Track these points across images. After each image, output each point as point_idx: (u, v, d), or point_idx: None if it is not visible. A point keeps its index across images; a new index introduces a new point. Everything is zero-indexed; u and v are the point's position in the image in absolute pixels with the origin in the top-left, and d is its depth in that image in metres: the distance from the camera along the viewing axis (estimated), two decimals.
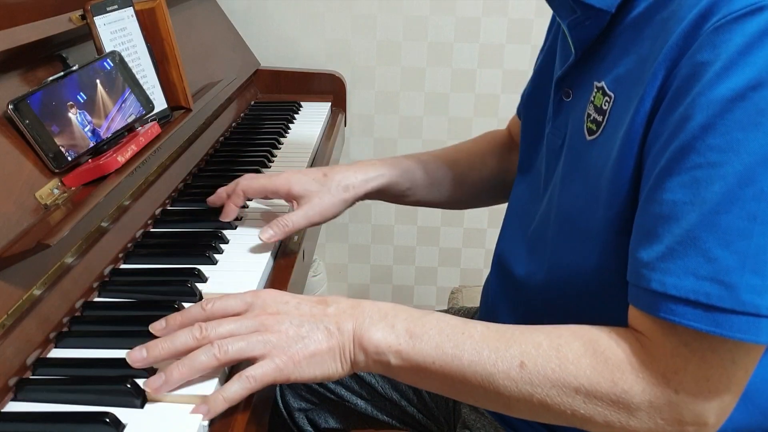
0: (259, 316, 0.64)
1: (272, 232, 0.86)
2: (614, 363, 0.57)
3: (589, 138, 0.65)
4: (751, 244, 0.51)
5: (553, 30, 0.82)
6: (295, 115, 1.50)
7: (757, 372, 0.62)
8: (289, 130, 1.40)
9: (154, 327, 0.66)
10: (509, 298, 0.81)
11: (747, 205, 0.51)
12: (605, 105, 0.63)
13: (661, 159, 0.56)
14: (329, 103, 1.61)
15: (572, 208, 0.69)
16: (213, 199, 0.95)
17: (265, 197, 0.93)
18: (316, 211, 0.88)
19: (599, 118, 0.64)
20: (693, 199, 0.53)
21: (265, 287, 0.82)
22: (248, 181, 0.91)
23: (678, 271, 0.53)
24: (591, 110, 0.65)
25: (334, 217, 0.90)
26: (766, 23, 0.51)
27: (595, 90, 0.65)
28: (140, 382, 0.63)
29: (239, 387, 0.60)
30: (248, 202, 1.00)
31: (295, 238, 0.95)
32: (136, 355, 0.62)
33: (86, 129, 0.84)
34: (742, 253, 0.51)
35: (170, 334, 0.63)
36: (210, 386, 0.62)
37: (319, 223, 0.90)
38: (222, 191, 0.94)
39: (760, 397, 0.66)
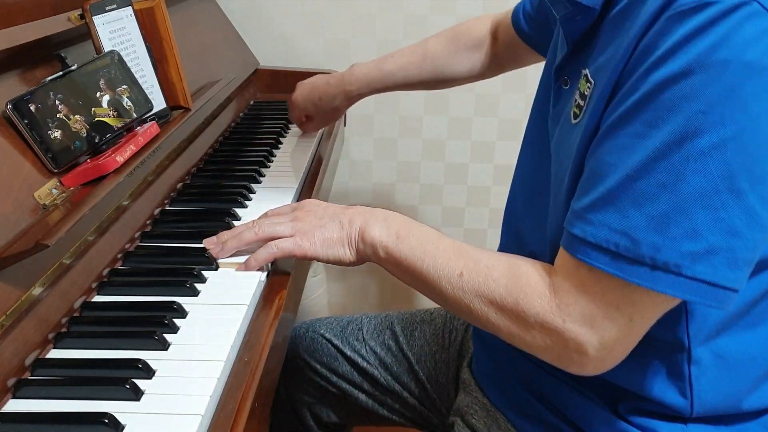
0: (296, 212, 0.84)
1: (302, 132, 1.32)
2: (522, 286, 0.68)
3: (573, 122, 0.71)
4: (657, 208, 0.59)
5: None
6: None
7: (743, 348, 0.72)
8: (288, 130, 1.40)
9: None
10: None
11: (659, 175, 0.59)
12: (587, 91, 0.69)
13: (604, 124, 0.64)
14: None
15: (554, 188, 0.75)
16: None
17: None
18: (321, 125, 1.33)
19: (582, 103, 0.70)
20: (618, 163, 0.61)
21: (264, 290, 0.82)
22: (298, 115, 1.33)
23: (596, 222, 0.63)
24: (577, 96, 0.71)
25: (336, 121, 1.35)
26: (707, 19, 0.57)
27: (582, 77, 0.71)
28: (139, 383, 0.63)
29: (265, 252, 0.81)
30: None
31: None
32: (209, 240, 0.87)
33: (85, 128, 0.84)
34: (649, 215, 0.60)
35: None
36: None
37: (326, 125, 1.35)
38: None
39: (745, 372, 0.73)
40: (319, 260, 0.82)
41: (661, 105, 0.59)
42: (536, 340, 0.67)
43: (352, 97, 1.25)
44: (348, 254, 0.80)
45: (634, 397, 0.74)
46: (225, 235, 0.86)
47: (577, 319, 0.64)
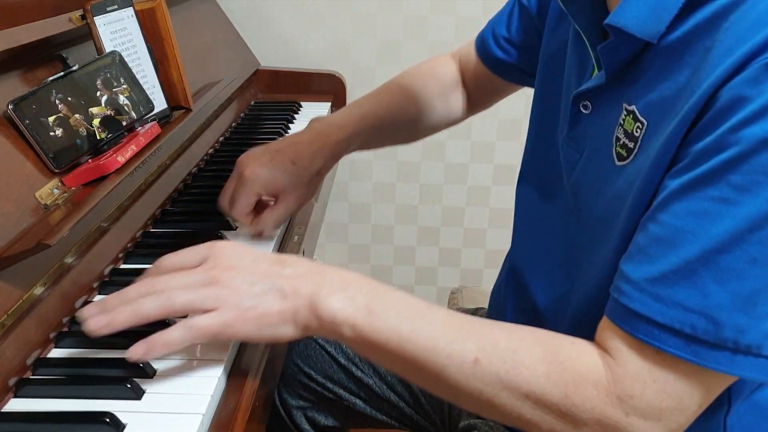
0: (213, 269, 0.62)
1: (261, 229, 0.88)
2: (571, 375, 0.56)
3: (618, 163, 0.63)
4: (745, 286, 0.52)
5: (563, 28, 0.78)
6: (295, 115, 1.50)
7: None
8: (289, 130, 1.40)
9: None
10: (525, 314, 0.80)
11: (750, 248, 0.51)
12: (637, 131, 0.61)
13: (674, 182, 0.55)
14: (329, 103, 1.61)
15: (594, 233, 0.67)
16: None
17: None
18: (296, 204, 0.90)
19: (630, 144, 0.61)
20: (697, 231, 0.53)
21: None
22: (240, 208, 0.88)
23: (667, 299, 0.54)
24: (621, 134, 0.63)
25: (313, 196, 0.94)
26: None
27: (625, 113, 0.62)
28: (140, 382, 0.63)
29: (180, 334, 0.60)
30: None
31: (295, 238, 0.95)
32: (91, 310, 0.62)
33: (86, 129, 0.84)
34: (736, 293, 0.52)
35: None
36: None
37: (298, 207, 0.92)
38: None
39: None
40: (251, 342, 0.65)
41: (758, 167, 0.50)
42: None
43: (338, 153, 0.93)
44: (290, 333, 0.62)
45: None
46: (110, 302, 0.62)
47: (643, 412, 0.55)
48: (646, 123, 0.60)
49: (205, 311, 0.61)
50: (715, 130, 0.52)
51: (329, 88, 1.67)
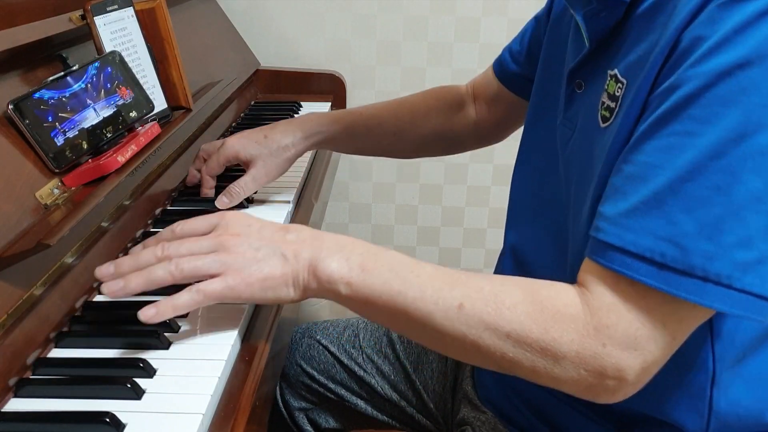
0: (221, 236, 0.67)
1: (226, 200, 0.98)
2: (550, 312, 0.59)
3: (602, 125, 0.66)
4: (710, 213, 0.54)
5: (565, 22, 0.81)
6: (295, 115, 1.50)
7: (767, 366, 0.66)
8: None
9: (133, 249, 0.71)
10: None
11: (713, 176, 0.54)
12: (618, 92, 0.64)
13: (643, 124, 0.58)
14: (329, 103, 1.61)
15: (577, 199, 0.69)
16: (190, 179, 1.07)
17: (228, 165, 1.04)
18: (261, 173, 0.99)
19: (612, 105, 0.65)
20: (664, 164, 0.56)
21: None
22: (209, 167, 1.02)
23: (638, 229, 0.56)
24: (605, 98, 0.66)
25: (281, 174, 1.02)
26: (766, 5, 0.53)
27: (609, 78, 0.66)
28: (140, 381, 0.63)
29: (188, 298, 0.65)
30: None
31: None
32: (104, 270, 0.68)
33: (86, 129, 0.84)
34: (701, 220, 0.54)
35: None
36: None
37: (268, 183, 1.00)
38: (194, 172, 1.06)
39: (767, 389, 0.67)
40: (255, 303, 0.68)
41: (714, 99, 0.54)
42: (568, 372, 0.59)
43: (310, 133, 1.01)
44: (291, 294, 0.66)
45: (649, 421, 0.70)
46: (125, 264, 0.67)
47: (619, 342, 0.57)
48: (625, 82, 0.63)
49: (212, 276, 0.65)
50: (677, 69, 0.56)
51: (329, 88, 1.68)
